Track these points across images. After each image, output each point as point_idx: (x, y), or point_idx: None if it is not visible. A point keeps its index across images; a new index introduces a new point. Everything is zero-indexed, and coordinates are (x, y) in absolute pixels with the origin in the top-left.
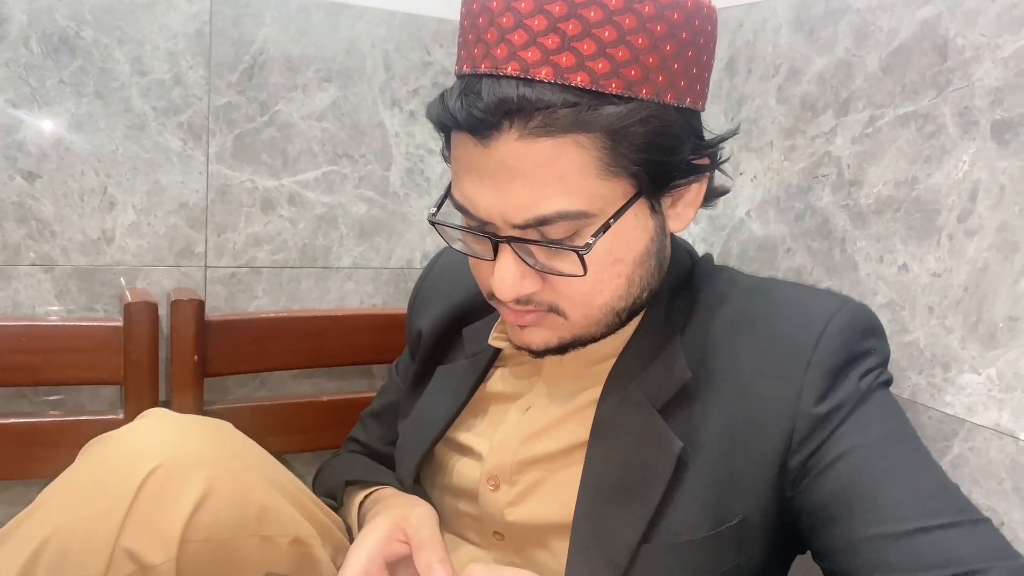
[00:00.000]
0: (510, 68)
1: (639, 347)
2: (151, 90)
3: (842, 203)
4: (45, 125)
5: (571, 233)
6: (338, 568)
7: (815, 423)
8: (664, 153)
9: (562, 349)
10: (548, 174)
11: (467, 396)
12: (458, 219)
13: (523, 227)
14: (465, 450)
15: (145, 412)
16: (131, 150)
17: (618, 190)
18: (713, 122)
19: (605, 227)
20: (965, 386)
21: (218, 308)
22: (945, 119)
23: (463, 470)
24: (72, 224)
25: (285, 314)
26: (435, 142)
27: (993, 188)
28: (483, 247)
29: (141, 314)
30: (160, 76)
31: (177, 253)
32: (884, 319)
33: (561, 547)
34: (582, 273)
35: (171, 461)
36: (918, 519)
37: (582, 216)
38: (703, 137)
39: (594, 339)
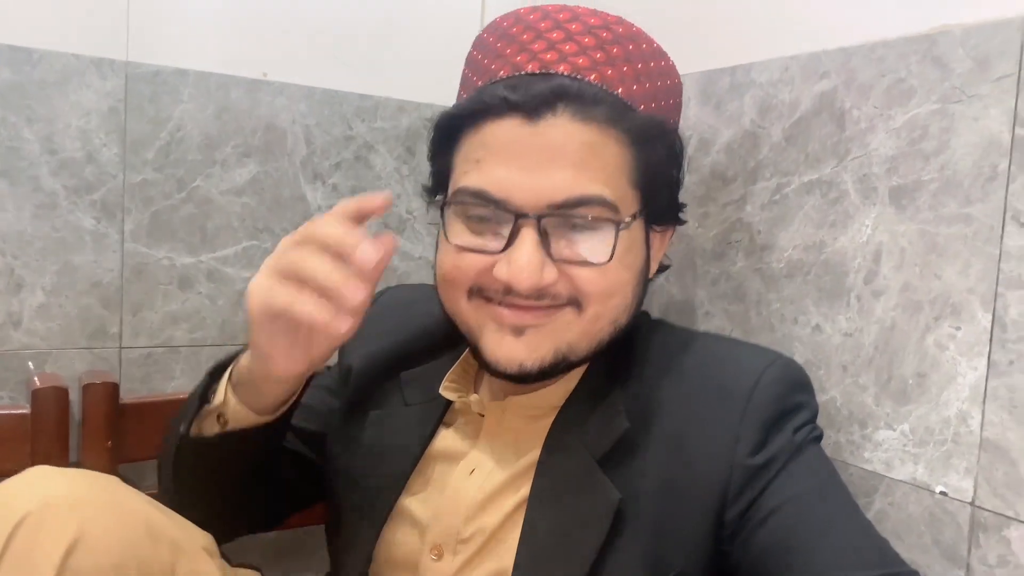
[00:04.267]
0: (562, 68)
1: (580, 400)
2: (63, 168)
3: (755, 267)
4: None
5: (596, 223)
6: None
7: (750, 475)
8: (666, 182)
9: (554, 369)
10: (594, 160)
11: (415, 461)
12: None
13: (560, 207)
14: (406, 518)
15: (25, 471)
16: (41, 230)
17: (634, 202)
18: None
19: (627, 223)
20: (882, 442)
21: (134, 390)
22: (847, 186)
23: (404, 539)
24: None
25: None
26: None
27: (895, 250)
28: (492, 238)
29: (49, 400)
30: (72, 154)
31: (90, 335)
32: None
33: None
34: (607, 259)
35: (40, 509)
36: (852, 572)
37: (614, 210)
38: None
39: (581, 360)
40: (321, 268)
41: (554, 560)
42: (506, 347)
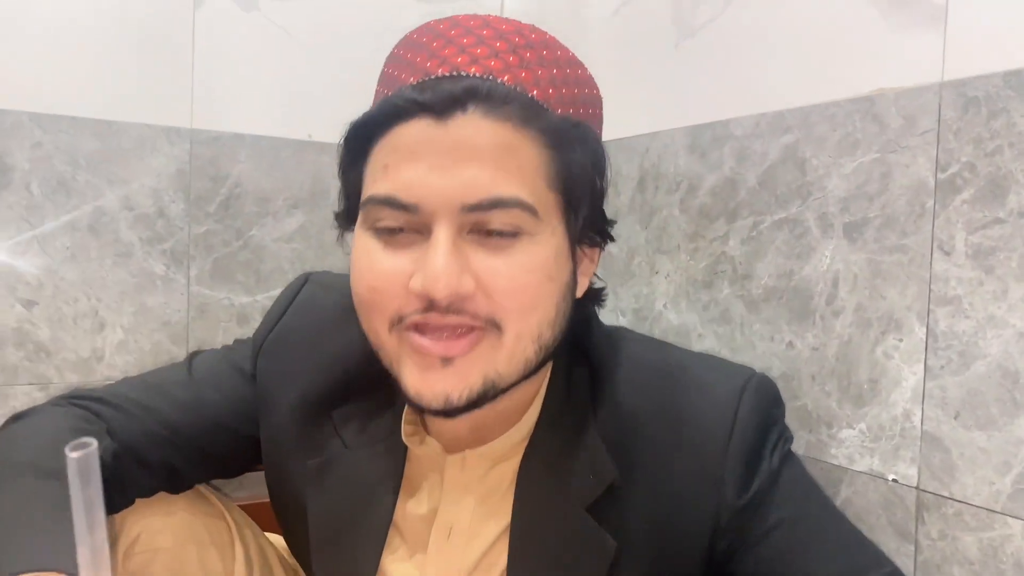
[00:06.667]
0: (474, 69)
1: (547, 437)
2: (138, 222)
3: (738, 294)
4: (43, 258)
5: (514, 230)
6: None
7: (738, 512)
8: (589, 189)
9: (481, 399)
10: (508, 160)
11: (388, 518)
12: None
13: (474, 208)
14: None
15: None
16: (120, 276)
17: (555, 208)
18: (628, 231)
19: (547, 230)
20: (844, 440)
21: None
22: (809, 223)
23: None
24: (66, 345)
25: None
26: None
27: (849, 276)
28: (405, 253)
29: None
30: (146, 210)
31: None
32: (779, 388)
33: None
34: (527, 269)
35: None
36: None
37: (533, 213)
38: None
39: (508, 387)
40: None
41: None
42: (431, 380)
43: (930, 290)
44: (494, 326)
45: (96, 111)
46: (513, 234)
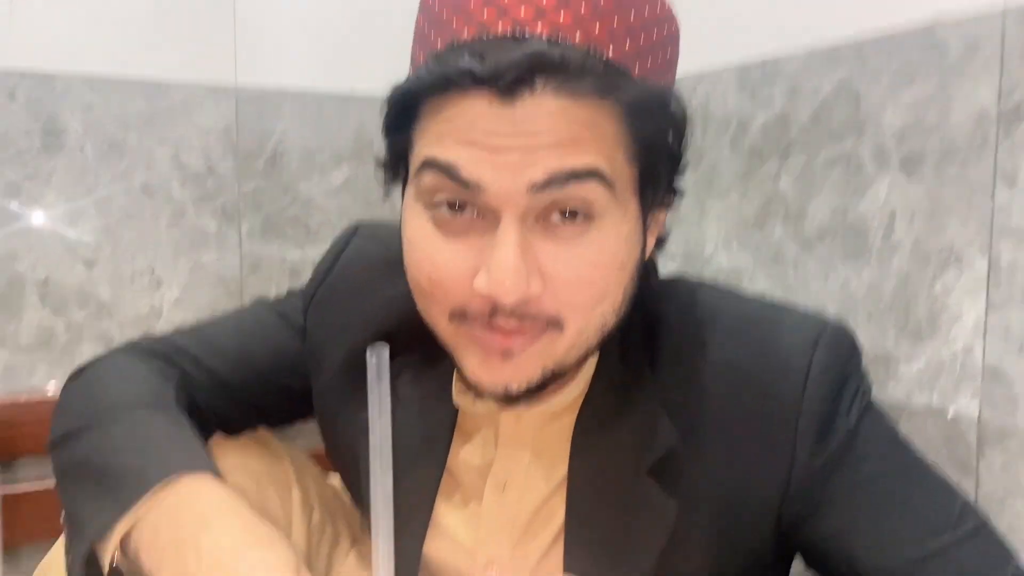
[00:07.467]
0: (539, 27)
1: (602, 395)
2: (189, 181)
3: (791, 233)
4: (99, 219)
5: (587, 210)
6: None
7: (811, 476)
8: (662, 156)
9: (541, 386)
10: (583, 132)
11: (441, 467)
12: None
13: (544, 185)
14: (445, 533)
15: None
16: (173, 235)
17: (632, 183)
18: None
19: (625, 211)
20: (903, 376)
21: None
22: (864, 158)
23: (454, 563)
24: (125, 303)
25: None
26: None
27: (906, 211)
28: (464, 240)
29: None
30: (196, 169)
31: None
32: None
33: None
34: (601, 262)
35: None
36: (920, 547)
37: (610, 188)
38: None
39: (565, 371)
40: None
41: None
42: (491, 371)
43: (992, 222)
44: (556, 324)
45: (143, 72)
46: (585, 217)
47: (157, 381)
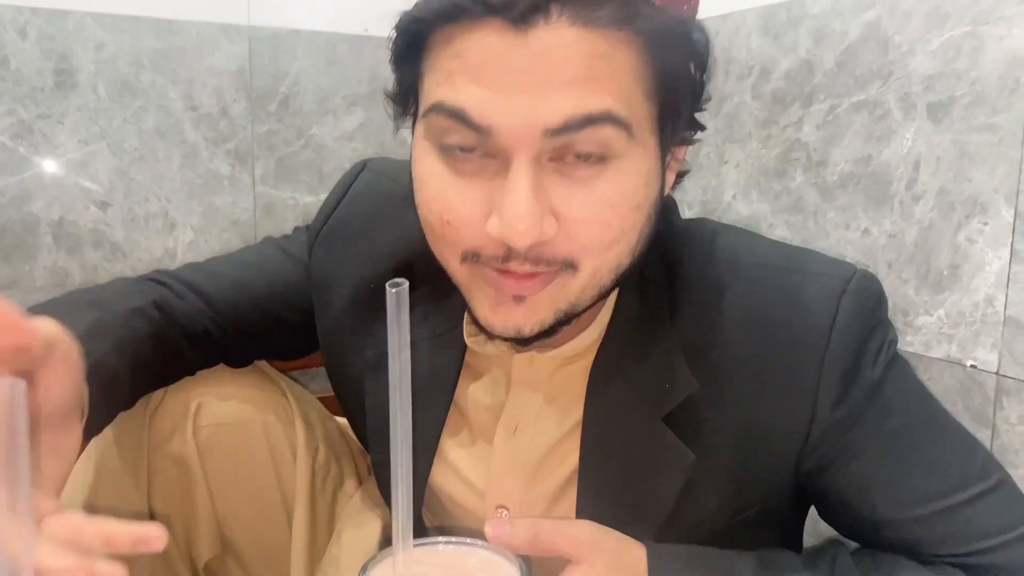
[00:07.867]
0: None
1: (621, 339)
2: (202, 122)
3: (812, 181)
4: (113, 160)
5: (603, 152)
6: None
7: (831, 427)
8: (683, 90)
9: (553, 329)
10: (601, 70)
11: (447, 403)
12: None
13: (559, 131)
14: (457, 472)
15: None
16: (187, 176)
17: (650, 121)
18: None
19: (642, 151)
20: (921, 327)
21: None
22: (890, 104)
23: (461, 500)
24: (139, 245)
25: None
26: None
27: (931, 159)
28: (476, 181)
29: None
30: (209, 110)
31: None
32: None
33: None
34: (616, 203)
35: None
36: (942, 500)
37: (626, 131)
38: None
39: (578, 313)
40: None
41: (623, 524)
42: (502, 314)
43: (1021, 170)
44: (570, 266)
45: (155, 9)
46: (600, 158)
47: (129, 290)
